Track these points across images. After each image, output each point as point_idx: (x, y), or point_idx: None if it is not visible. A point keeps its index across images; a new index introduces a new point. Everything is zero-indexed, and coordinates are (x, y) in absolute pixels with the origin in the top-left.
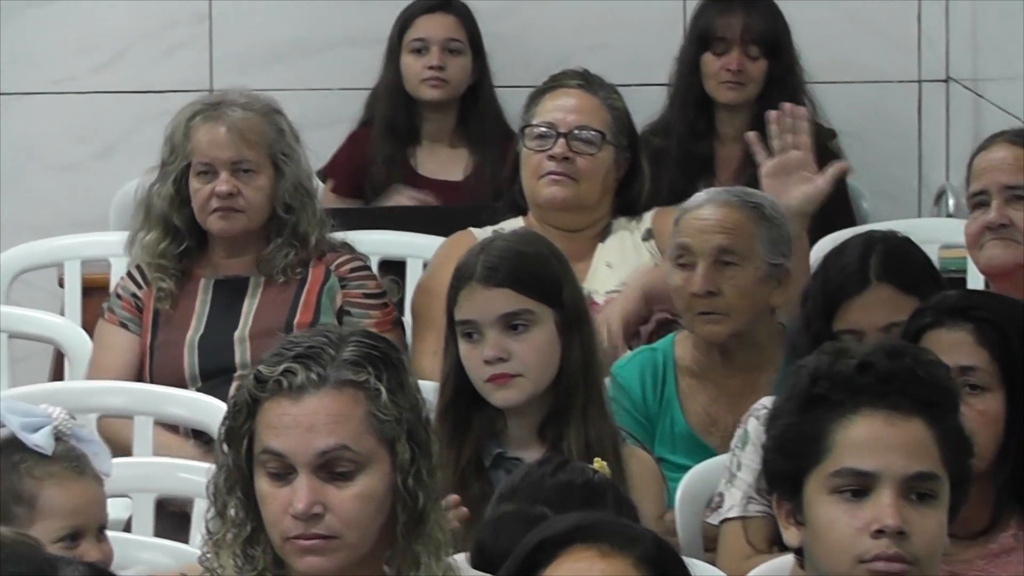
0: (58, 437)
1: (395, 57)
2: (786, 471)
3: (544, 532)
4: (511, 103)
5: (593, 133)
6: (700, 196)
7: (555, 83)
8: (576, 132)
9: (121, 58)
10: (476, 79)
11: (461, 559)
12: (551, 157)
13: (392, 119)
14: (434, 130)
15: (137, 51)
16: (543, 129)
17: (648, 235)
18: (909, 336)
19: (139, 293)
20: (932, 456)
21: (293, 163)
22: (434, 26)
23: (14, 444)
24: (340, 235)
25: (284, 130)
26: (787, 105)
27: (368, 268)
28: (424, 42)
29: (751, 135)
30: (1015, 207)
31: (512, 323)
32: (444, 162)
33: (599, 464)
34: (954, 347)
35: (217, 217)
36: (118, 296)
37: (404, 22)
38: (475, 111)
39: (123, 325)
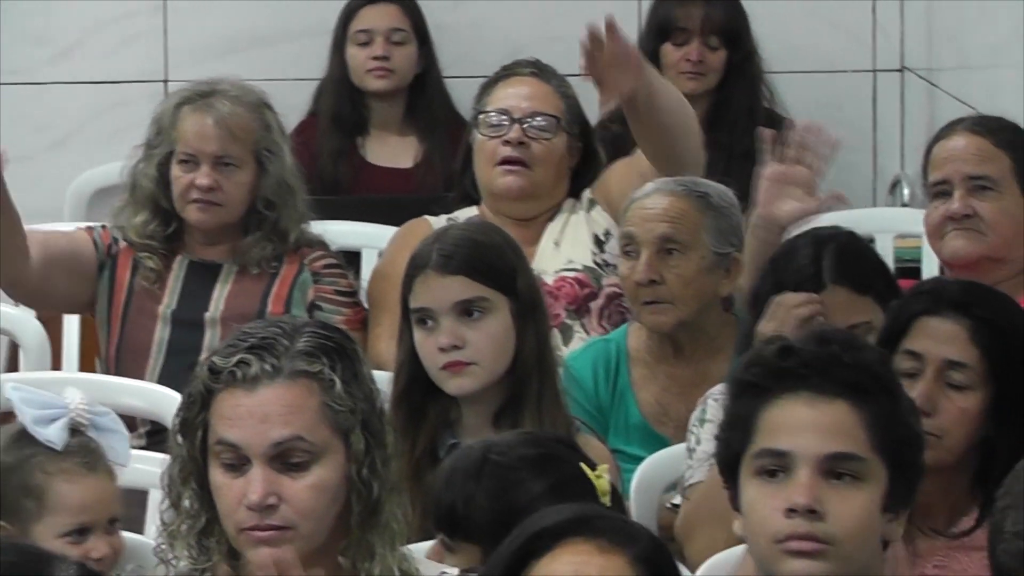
0: (75, 429)
1: (340, 49)
2: (725, 458)
3: (543, 522)
4: (465, 94)
5: (547, 119)
6: (649, 186)
7: (508, 72)
8: (530, 118)
9: (76, 49)
10: (423, 67)
11: (416, 548)
12: (506, 143)
13: (337, 112)
14: (382, 119)
15: (92, 42)
16: (497, 116)
17: (591, 205)
18: (901, 319)
19: (115, 248)
20: (856, 438)
21: (278, 160)
22: (377, 16)
23: (27, 437)
24: (318, 230)
25: (271, 126)
26: (819, 126)
27: (342, 267)
28: (368, 33)
29: (768, 132)
30: (978, 198)
31: (467, 310)
32: (394, 150)
33: (598, 476)
34: (947, 339)
35: (196, 208)
36: (103, 227)
37: (348, 13)
38: (423, 99)
39: (93, 243)
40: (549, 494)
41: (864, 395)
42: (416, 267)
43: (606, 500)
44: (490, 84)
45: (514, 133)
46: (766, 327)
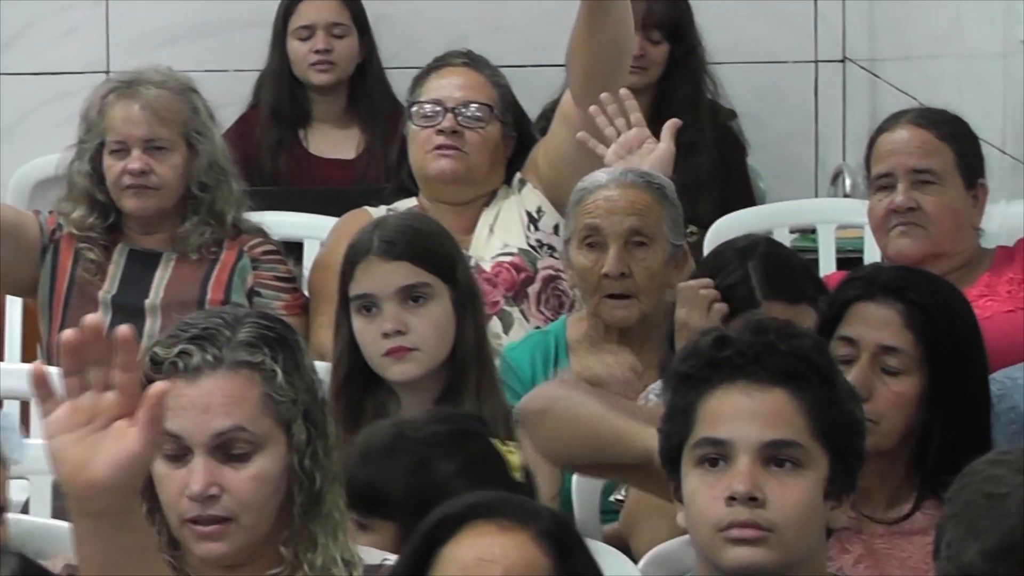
0: None
1: (280, 42)
2: (666, 449)
3: (445, 510)
4: (407, 84)
5: (480, 107)
6: (600, 176)
7: (440, 63)
8: (463, 107)
9: (18, 40)
10: (364, 56)
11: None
12: (440, 131)
13: (277, 105)
14: (324, 111)
15: (34, 33)
16: (430, 106)
17: (521, 184)
18: (836, 305)
19: (58, 234)
20: (794, 425)
21: (207, 141)
22: (317, 10)
23: None
24: (256, 218)
25: (199, 108)
26: (605, 95)
27: (281, 253)
28: (309, 28)
29: (581, 135)
30: (922, 191)
31: (412, 295)
32: (336, 141)
33: (509, 451)
34: (881, 325)
35: (130, 195)
36: (50, 213)
37: (287, 7)
38: (364, 89)
39: (39, 225)
40: (464, 470)
41: (801, 382)
42: (357, 254)
43: (518, 475)
44: (423, 75)
45: (447, 122)
46: (680, 313)
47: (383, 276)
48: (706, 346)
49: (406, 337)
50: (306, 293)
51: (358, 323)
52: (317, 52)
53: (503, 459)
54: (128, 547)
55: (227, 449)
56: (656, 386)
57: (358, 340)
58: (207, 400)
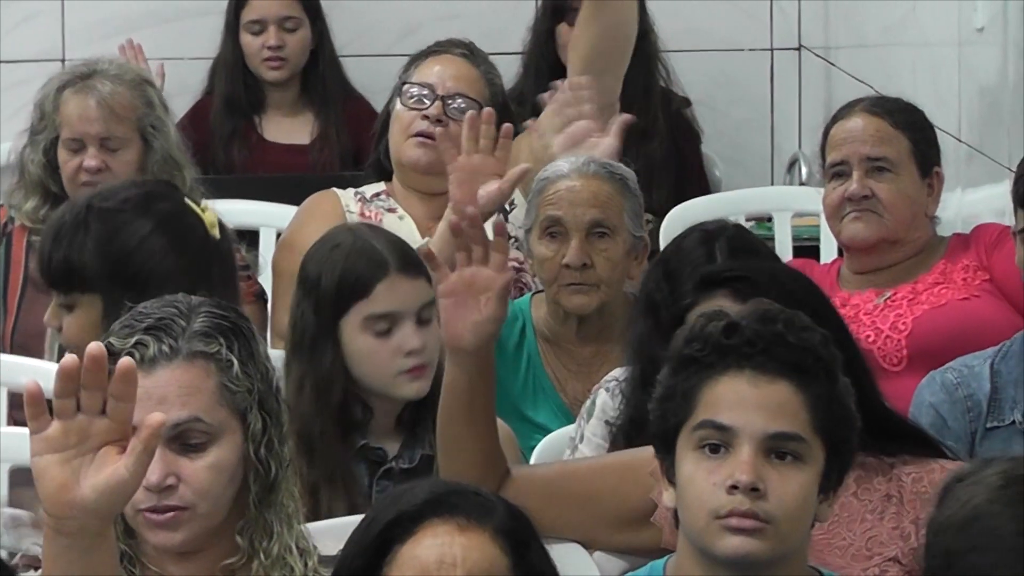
0: None
1: (232, 32)
2: (661, 430)
3: (400, 506)
4: (360, 72)
5: (469, 102)
6: (563, 165)
7: (440, 48)
8: (452, 98)
9: None
10: (316, 43)
11: (313, 527)
12: (425, 117)
13: (231, 94)
14: (278, 99)
15: None
16: (420, 89)
17: None
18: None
19: (10, 226)
20: (798, 418)
21: (162, 135)
22: (268, 5)
23: None
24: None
25: (153, 102)
26: (561, 83)
27: (235, 241)
28: (260, 23)
29: (530, 123)
30: (876, 179)
31: (426, 315)
32: (290, 128)
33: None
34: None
35: (84, 192)
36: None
37: (238, 1)
38: (316, 74)
39: None
40: (157, 229)
41: (806, 376)
42: (375, 271)
43: (215, 232)
44: (420, 56)
45: (434, 109)
46: None
47: (409, 294)
48: (715, 332)
49: (423, 354)
50: (260, 280)
51: (371, 343)
52: (269, 48)
53: (198, 217)
54: (95, 570)
55: (183, 439)
56: (614, 375)
57: (363, 359)
58: (163, 391)
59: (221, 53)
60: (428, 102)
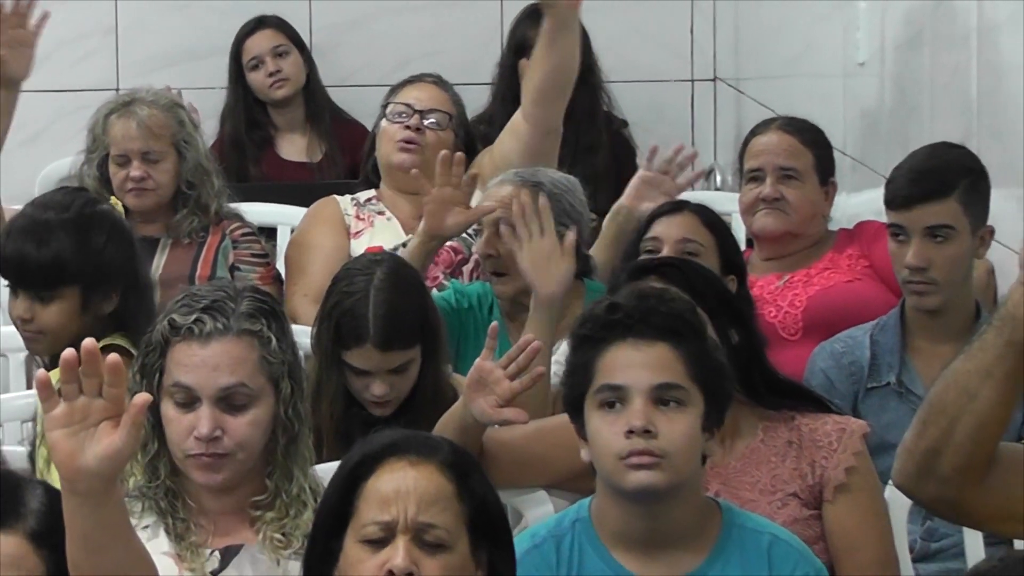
0: None
1: (236, 78)
2: (571, 398)
3: (364, 450)
4: (360, 98)
5: (441, 115)
6: (496, 178)
7: (416, 78)
8: (428, 113)
9: (44, 63)
10: (308, 71)
11: (321, 468)
12: (406, 127)
13: (236, 137)
14: (288, 121)
15: (57, 57)
16: (402, 107)
17: None
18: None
19: None
20: (676, 371)
21: (193, 148)
22: (258, 42)
23: None
24: (234, 207)
25: (184, 121)
26: (684, 148)
27: (255, 234)
28: (257, 58)
29: (652, 147)
30: (785, 185)
31: (398, 370)
32: (301, 148)
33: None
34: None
35: (133, 196)
36: None
37: (235, 49)
38: (314, 106)
39: None
40: (114, 229)
41: (678, 336)
42: (354, 338)
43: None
44: (400, 85)
45: (413, 121)
46: None
47: (379, 361)
48: (600, 311)
49: (392, 394)
50: (278, 267)
51: (351, 379)
52: (271, 75)
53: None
54: (106, 522)
55: (229, 400)
56: (560, 351)
57: (351, 389)
58: (216, 360)
59: (229, 97)
60: (408, 116)
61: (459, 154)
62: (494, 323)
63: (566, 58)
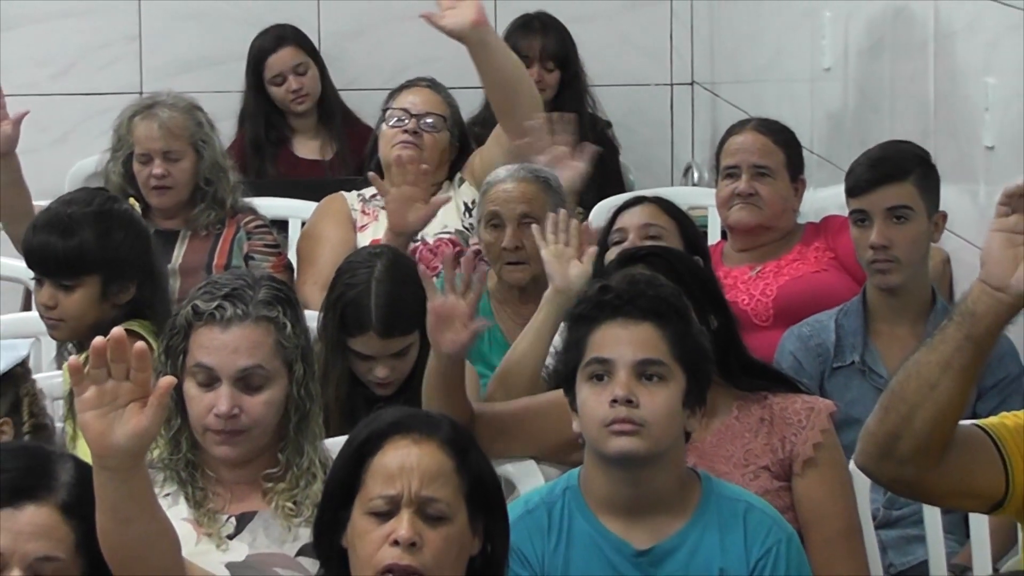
0: None
1: (254, 86)
2: (563, 373)
3: (370, 428)
4: (363, 100)
5: (436, 117)
6: (501, 172)
7: (411, 83)
8: (424, 116)
9: (72, 68)
10: (322, 78)
11: (329, 443)
12: (405, 131)
13: (255, 138)
14: (304, 125)
15: (84, 63)
16: (400, 112)
17: (461, 182)
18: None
19: None
20: (659, 349)
21: (210, 147)
22: (281, 60)
23: None
24: (247, 201)
25: (202, 123)
26: (555, 115)
27: (268, 226)
28: (280, 75)
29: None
30: (759, 181)
31: (399, 353)
32: (314, 147)
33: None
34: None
35: (155, 193)
36: None
37: (256, 63)
38: (327, 110)
39: None
40: (131, 223)
41: (663, 318)
42: (358, 325)
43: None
44: (397, 90)
45: (411, 124)
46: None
47: (381, 347)
48: (593, 293)
49: (393, 375)
50: (290, 257)
51: (355, 363)
52: (293, 92)
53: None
54: (133, 494)
55: (247, 381)
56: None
57: (355, 371)
58: (236, 343)
59: (246, 104)
60: (406, 120)
61: (425, 167)
62: (467, 251)
63: (502, 73)
